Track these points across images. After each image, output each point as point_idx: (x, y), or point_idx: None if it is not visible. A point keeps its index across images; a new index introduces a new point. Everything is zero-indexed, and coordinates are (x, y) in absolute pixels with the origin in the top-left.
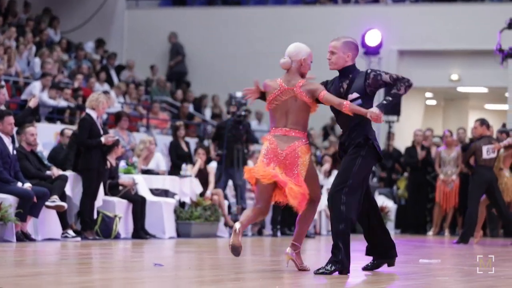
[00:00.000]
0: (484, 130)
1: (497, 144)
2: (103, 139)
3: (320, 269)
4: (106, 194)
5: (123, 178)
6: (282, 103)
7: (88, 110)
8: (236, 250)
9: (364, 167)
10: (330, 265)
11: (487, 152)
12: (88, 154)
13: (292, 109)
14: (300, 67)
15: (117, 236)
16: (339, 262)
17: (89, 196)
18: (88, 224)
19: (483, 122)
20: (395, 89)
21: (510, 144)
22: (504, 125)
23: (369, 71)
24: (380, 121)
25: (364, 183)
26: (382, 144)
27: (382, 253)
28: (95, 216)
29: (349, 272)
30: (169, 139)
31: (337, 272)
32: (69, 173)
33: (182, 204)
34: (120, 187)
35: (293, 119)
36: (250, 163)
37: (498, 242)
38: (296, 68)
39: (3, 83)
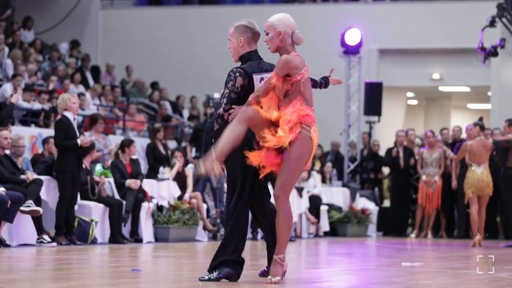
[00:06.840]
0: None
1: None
2: (79, 140)
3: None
4: (81, 198)
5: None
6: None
7: (63, 113)
8: None
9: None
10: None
11: None
12: (62, 156)
13: None
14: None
15: (94, 241)
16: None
17: (64, 200)
18: (62, 229)
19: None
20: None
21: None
22: (481, 119)
23: (235, 70)
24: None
25: (247, 178)
26: (362, 145)
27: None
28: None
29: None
30: (146, 141)
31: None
32: (44, 177)
33: (160, 208)
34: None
35: None
36: None
37: (485, 244)
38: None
39: None
